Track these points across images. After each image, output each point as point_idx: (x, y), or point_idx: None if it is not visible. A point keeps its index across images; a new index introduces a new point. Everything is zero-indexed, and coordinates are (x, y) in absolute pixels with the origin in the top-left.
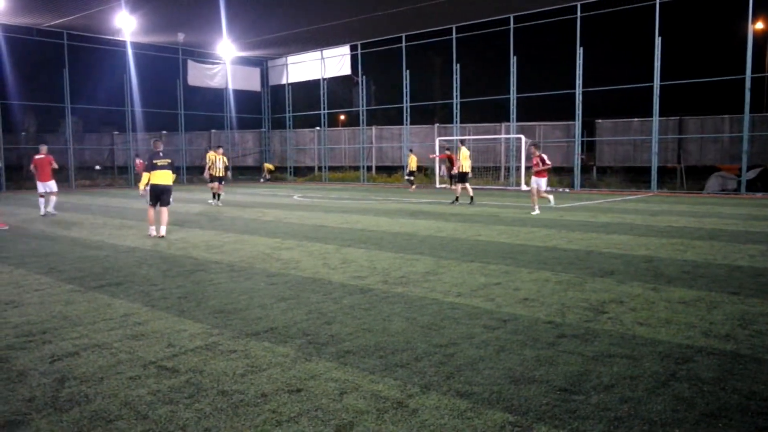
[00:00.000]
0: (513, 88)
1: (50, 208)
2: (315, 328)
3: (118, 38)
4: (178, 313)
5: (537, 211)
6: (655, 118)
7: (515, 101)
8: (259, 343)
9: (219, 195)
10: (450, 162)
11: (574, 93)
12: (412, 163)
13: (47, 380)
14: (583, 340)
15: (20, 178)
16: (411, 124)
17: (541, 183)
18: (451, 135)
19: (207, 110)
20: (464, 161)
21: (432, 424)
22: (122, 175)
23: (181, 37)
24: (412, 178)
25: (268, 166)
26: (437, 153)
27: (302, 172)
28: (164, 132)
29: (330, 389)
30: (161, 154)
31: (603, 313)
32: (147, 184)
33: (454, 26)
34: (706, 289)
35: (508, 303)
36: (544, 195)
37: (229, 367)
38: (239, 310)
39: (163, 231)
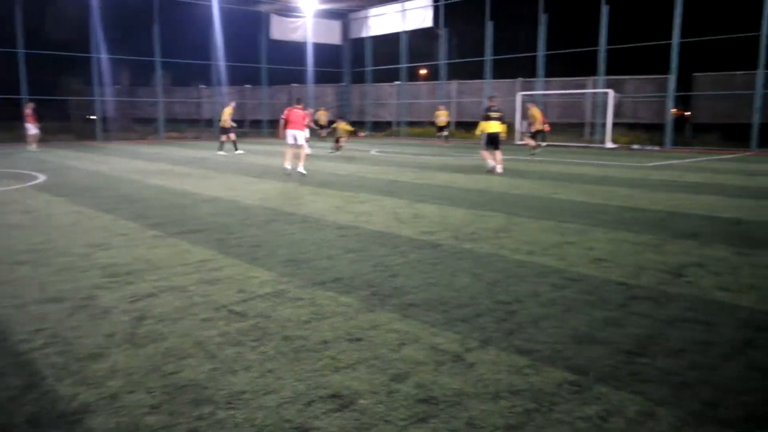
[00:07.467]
0: (603, 39)
1: (299, 168)
2: (380, 280)
3: None
4: (250, 260)
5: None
6: (761, 71)
7: (605, 53)
8: (325, 292)
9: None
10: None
11: (670, 44)
12: (443, 117)
13: (127, 318)
14: (657, 302)
15: (114, 128)
16: (493, 78)
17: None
18: (534, 90)
19: (288, 64)
20: None
21: (488, 378)
22: (209, 128)
23: None
24: (445, 132)
25: (342, 126)
26: (519, 108)
27: (381, 127)
28: (248, 86)
29: (390, 340)
30: (494, 107)
31: (681, 276)
32: (482, 131)
33: None
34: None
35: (580, 262)
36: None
37: (294, 314)
38: (308, 260)
39: (499, 169)
